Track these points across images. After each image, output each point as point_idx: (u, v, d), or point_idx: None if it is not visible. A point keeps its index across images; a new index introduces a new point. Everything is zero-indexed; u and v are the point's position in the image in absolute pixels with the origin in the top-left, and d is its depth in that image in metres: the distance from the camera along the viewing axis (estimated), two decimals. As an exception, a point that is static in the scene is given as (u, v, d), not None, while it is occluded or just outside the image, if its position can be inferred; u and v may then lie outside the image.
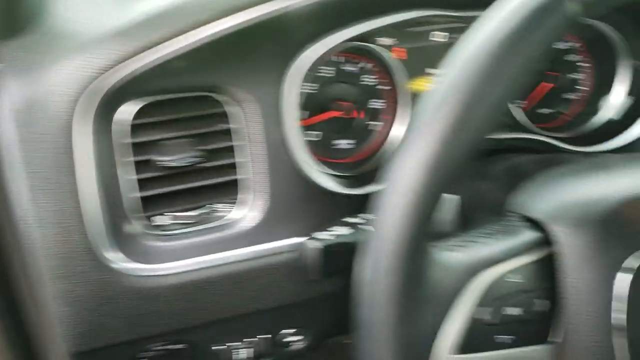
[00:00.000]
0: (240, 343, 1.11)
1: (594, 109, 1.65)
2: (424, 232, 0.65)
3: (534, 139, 1.48)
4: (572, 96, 1.67)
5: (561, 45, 1.62)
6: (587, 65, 1.65)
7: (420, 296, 0.66)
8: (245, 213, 1.06)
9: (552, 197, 0.81)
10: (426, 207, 0.64)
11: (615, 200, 0.76)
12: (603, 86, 1.64)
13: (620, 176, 0.84)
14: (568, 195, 0.81)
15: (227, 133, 1.05)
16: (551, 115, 1.65)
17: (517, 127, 1.56)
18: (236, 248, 1.04)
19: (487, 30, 0.63)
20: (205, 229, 1.05)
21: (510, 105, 1.52)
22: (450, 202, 0.98)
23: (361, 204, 1.00)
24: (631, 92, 1.57)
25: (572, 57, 1.64)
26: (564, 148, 1.50)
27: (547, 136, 1.52)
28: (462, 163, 0.64)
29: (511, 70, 0.63)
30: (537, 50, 0.63)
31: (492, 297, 0.72)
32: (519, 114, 1.59)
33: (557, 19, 0.63)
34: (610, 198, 0.77)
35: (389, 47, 1.23)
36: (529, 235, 0.78)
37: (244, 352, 1.11)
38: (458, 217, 0.98)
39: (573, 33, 1.59)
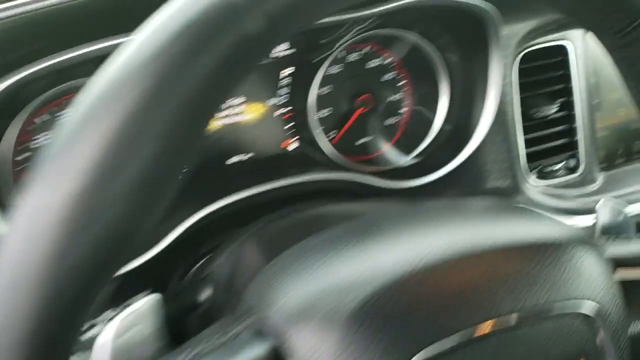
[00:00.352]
0: None
1: (415, 135, 1.43)
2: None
3: (338, 180, 1.23)
4: (391, 121, 1.45)
5: (373, 63, 1.38)
6: (405, 83, 1.43)
7: None
8: None
9: (287, 290, 0.56)
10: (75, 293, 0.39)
11: (381, 285, 0.54)
12: (425, 108, 1.43)
13: (395, 244, 0.59)
14: (312, 285, 0.56)
15: None
16: (366, 146, 1.41)
17: (325, 163, 1.31)
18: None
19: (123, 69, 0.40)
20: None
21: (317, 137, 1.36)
22: (148, 305, 0.67)
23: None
24: (449, 119, 1.37)
25: (387, 76, 1.41)
26: (378, 186, 1.26)
27: (358, 171, 1.28)
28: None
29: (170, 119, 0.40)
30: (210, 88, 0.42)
31: None
32: (327, 147, 1.34)
33: (233, 40, 0.41)
34: (374, 282, 0.54)
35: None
36: (258, 349, 0.53)
37: None
38: (163, 326, 0.67)
39: (385, 47, 1.42)
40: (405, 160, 1.46)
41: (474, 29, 1.31)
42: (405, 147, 1.47)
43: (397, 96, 1.49)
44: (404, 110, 1.51)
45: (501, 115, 1.41)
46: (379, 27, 1.35)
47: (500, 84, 1.34)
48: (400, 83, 1.50)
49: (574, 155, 1.56)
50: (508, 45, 1.37)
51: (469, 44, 1.36)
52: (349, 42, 1.35)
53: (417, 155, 1.46)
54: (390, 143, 1.49)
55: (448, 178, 1.37)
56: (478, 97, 1.37)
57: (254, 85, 1.35)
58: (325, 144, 1.39)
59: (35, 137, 1.16)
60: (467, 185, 1.40)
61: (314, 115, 1.39)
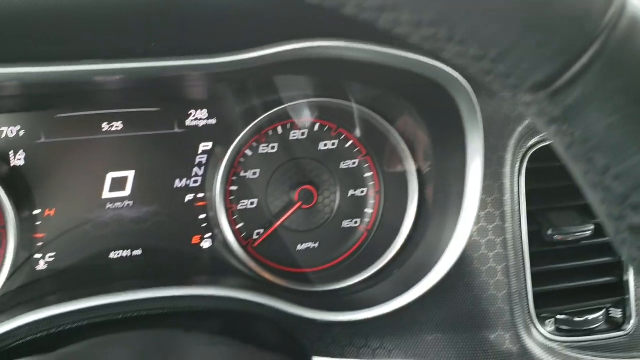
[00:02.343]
0: None
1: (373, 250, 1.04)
2: None
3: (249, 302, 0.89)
4: (347, 224, 1.07)
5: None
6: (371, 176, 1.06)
7: None
8: None
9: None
10: None
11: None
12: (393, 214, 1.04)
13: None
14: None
15: None
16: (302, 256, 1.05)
17: (237, 273, 0.98)
18: None
19: None
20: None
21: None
22: None
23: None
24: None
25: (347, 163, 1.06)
26: (303, 317, 0.90)
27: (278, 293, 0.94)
28: None
29: None
30: None
31: None
32: (240, 252, 1.00)
33: None
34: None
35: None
36: None
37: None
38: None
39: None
40: (349, 283, 1.04)
41: (445, 108, 0.90)
42: (357, 265, 1.06)
43: (358, 191, 1.10)
44: (368, 211, 1.10)
45: (497, 235, 0.96)
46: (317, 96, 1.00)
47: (478, 192, 0.91)
48: (367, 174, 1.10)
49: (621, 302, 1.04)
50: (504, 135, 0.94)
51: (438, 126, 0.95)
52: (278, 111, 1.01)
53: (366, 280, 1.04)
54: (340, 257, 1.09)
55: (396, 317, 0.94)
56: (451, 211, 0.94)
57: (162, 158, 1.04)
58: (238, 248, 1.02)
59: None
60: (419, 331, 0.96)
61: (230, 207, 1.06)
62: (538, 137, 0.99)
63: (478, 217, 0.96)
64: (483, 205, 0.96)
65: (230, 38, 0.75)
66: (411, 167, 1.05)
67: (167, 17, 0.73)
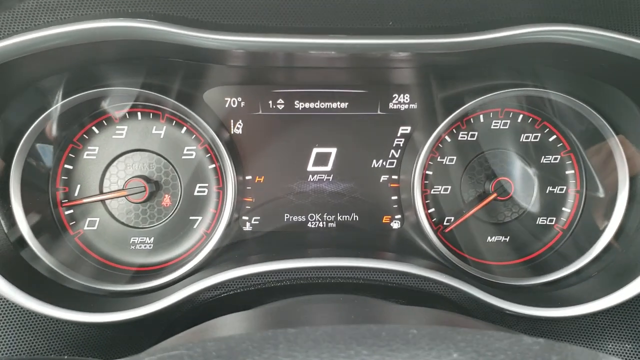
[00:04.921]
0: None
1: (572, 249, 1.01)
2: None
3: (435, 281, 0.92)
4: (543, 222, 1.05)
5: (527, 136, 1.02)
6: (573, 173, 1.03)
7: None
8: None
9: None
10: None
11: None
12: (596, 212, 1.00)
13: None
14: None
15: None
16: (494, 247, 1.07)
17: (427, 255, 1.00)
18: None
19: None
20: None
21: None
22: None
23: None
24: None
25: (548, 158, 1.03)
26: (493, 304, 0.92)
27: (467, 279, 0.95)
28: None
29: None
30: None
31: None
32: (432, 236, 1.02)
33: None
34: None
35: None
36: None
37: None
38: None
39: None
40: (545, 280, 1.01)
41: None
42: (548, 264, 1.03)
43: (557, 189, 1.06)
44: (566, 210, 1.06)
45: None
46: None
47: None
48: (568, 171, 1.06)
49: None
50: None
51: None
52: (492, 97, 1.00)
53: (557, 280, 1.00)
54: (531, 254, 1.06)
55: (599, 318, 0.90)
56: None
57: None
58: (430, 231, 1.04)
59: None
60: (610, 338, 0.91)
61: (424, 191, 1.07)
62: None
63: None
64: None
65: (469, 19, 0.77)
66: (624, 169, 0.99)
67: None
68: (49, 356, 0.94)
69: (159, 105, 1.05)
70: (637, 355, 0.95)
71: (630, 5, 0.76)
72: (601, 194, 1.03)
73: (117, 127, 1.06)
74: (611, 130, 0.99)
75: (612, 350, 0.94)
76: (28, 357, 0.95)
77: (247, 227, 1.13)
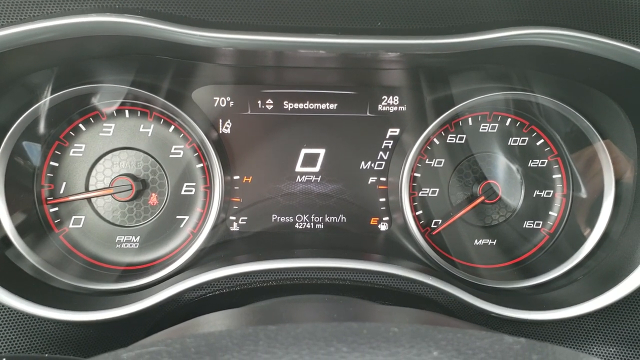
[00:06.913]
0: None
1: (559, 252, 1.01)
2: None
3: (421, 283, 0.92)
4: (530, 225, 1.05)
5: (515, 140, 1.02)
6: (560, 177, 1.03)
7: None
8: None
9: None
10: None
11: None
12: (582, 217, 1.01)
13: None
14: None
15: None
16: (481, 251, 1.06)
17: (414, 258, 1.00)
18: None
19: None
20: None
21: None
22: None
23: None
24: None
25: (536, 162, 1.03)
26: (478, 307, 0.91)
27: (453, 281, 0.94)
28: None
29: None
30: None
31: None
32: (420, 238, 1.02)
33: None
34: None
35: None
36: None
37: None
38: None
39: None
40: (532, 283, 1.01)
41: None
42: (534, 268, 1.03)
43: (544, 192, 1.06)
44: (552, 214, 1.07)
45: None
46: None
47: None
48: (555, 175, 1.06)
49: None
50: None
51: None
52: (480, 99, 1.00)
53: (544, 283, 1.00)
54: (518, 257, 1.07)
55: (584, 321, 0.90)
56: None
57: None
58: (417, 233, 1.03)
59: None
60: (597, 341, 0.91)
61: (412, 193, 1.07)
62: None
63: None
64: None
65: (457, 21, 0.77)
66: (610, 173, 1.00)
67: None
68: (30, 354, 0.93)
69: (147, 104, 1.05)
70: (621, 358, 0.95)
71: (617, 9, 0.77)
72: (587, 197, 1.04)
73: (105, 124, 1.05)
74: (597, 134, 1.00)
75: (596, 353, 0.94)
76: (9, 355, 0.94)
77: (235, 227, 1.13)
